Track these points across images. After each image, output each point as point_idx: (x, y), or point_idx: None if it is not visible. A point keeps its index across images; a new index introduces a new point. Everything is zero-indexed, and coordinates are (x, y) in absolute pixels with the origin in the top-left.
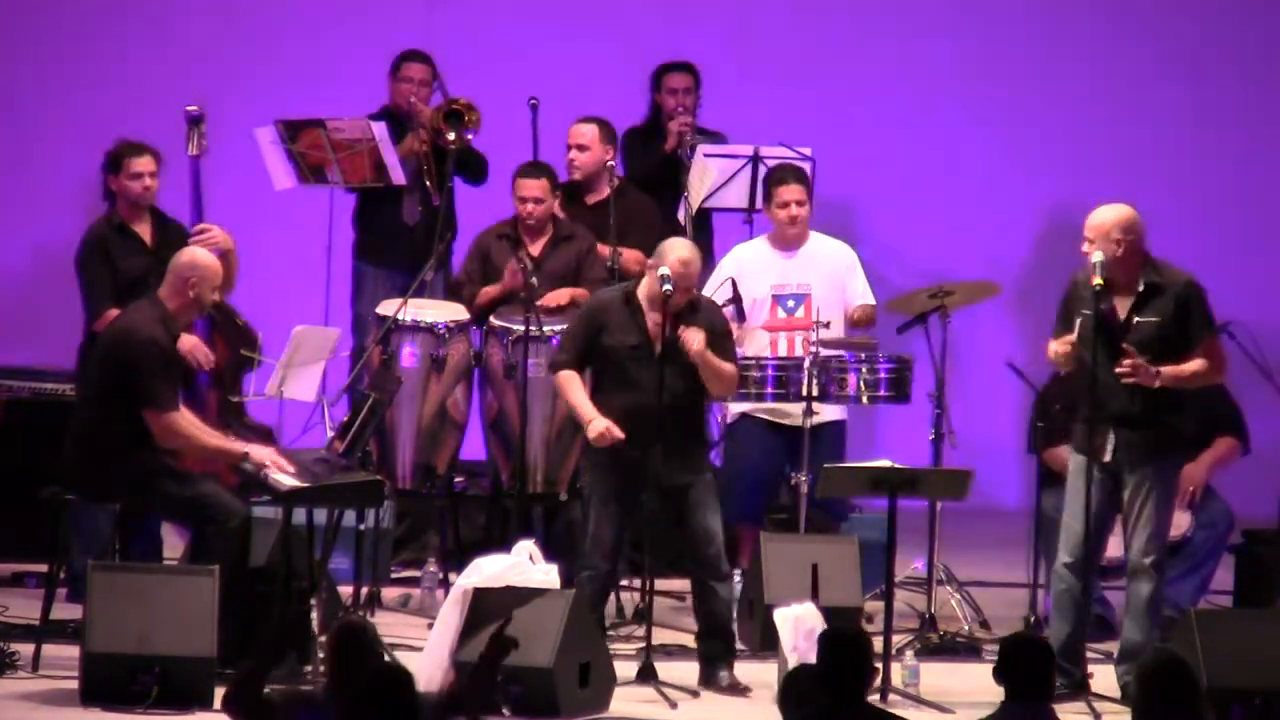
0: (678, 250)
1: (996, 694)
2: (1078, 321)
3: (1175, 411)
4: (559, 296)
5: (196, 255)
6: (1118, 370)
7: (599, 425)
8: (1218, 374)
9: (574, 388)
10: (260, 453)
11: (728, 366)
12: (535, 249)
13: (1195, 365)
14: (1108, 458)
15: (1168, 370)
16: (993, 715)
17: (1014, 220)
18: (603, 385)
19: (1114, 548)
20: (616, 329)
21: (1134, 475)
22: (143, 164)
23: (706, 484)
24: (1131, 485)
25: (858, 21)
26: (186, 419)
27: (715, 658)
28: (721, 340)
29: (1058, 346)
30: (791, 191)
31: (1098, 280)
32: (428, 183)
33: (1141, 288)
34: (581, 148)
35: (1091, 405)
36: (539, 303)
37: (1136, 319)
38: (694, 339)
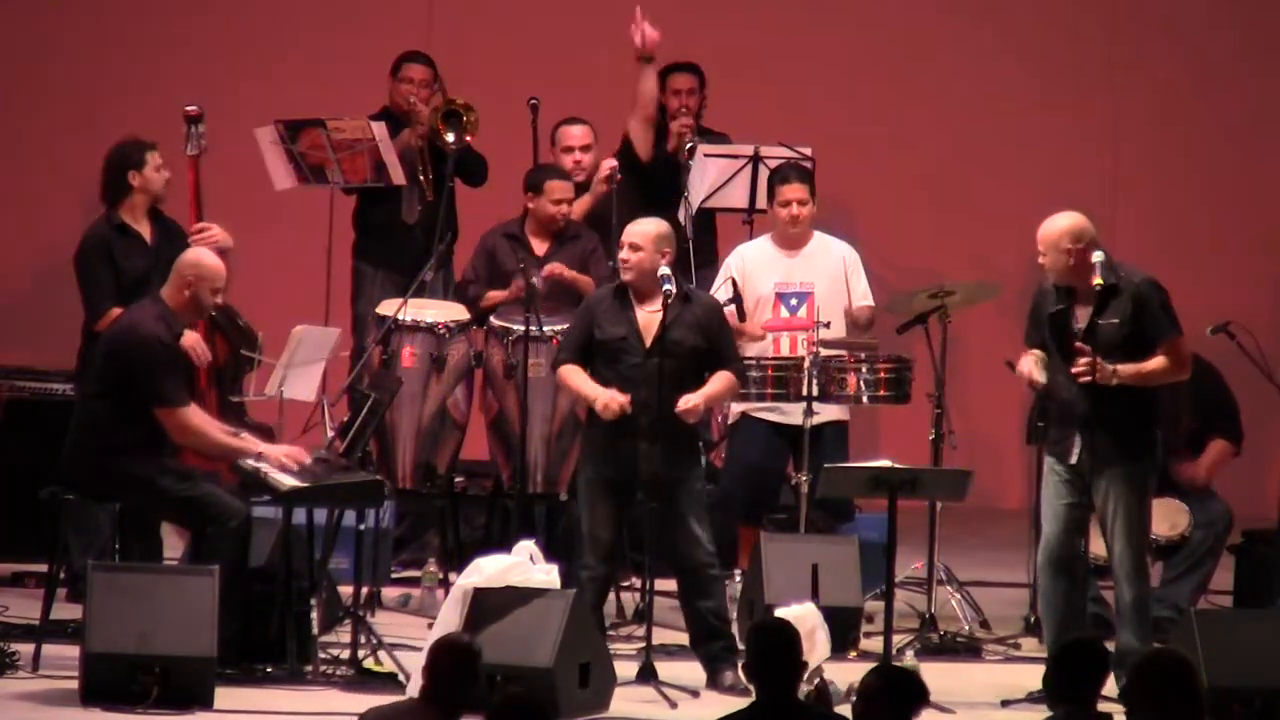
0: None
1: (997, 694)
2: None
3: (1142, 413)
4: (564, 271)
5: (201, 256)
6: (1073, 370)
7: (603, 396)
8: (1179, 372)
9: (576, 376)
10: (274, 451)
11: (724, 384)
12: (540, 249)
13: (1155, 364)
14: (1074, 460)
15: (1125, 369)
16: None
17: (1015, 220)
18: (597, 380)
19: (1101, 546)
20: (607, 322)
21: (1102, 478)
22: (159, 157)
23: (695, 486)
24: (1101, 489)
25: (859, 21)
26: (199, 415)
27: (717, 658)
28: (718, 337)
29: (1022, 369)
30: (793, 190)
31: (1098, 280)
32: (422, 178)
33: (1098, 290)
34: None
35: (1058, 408)
36: (548, 272)
37: (1099, 322)
38: (689, 413)
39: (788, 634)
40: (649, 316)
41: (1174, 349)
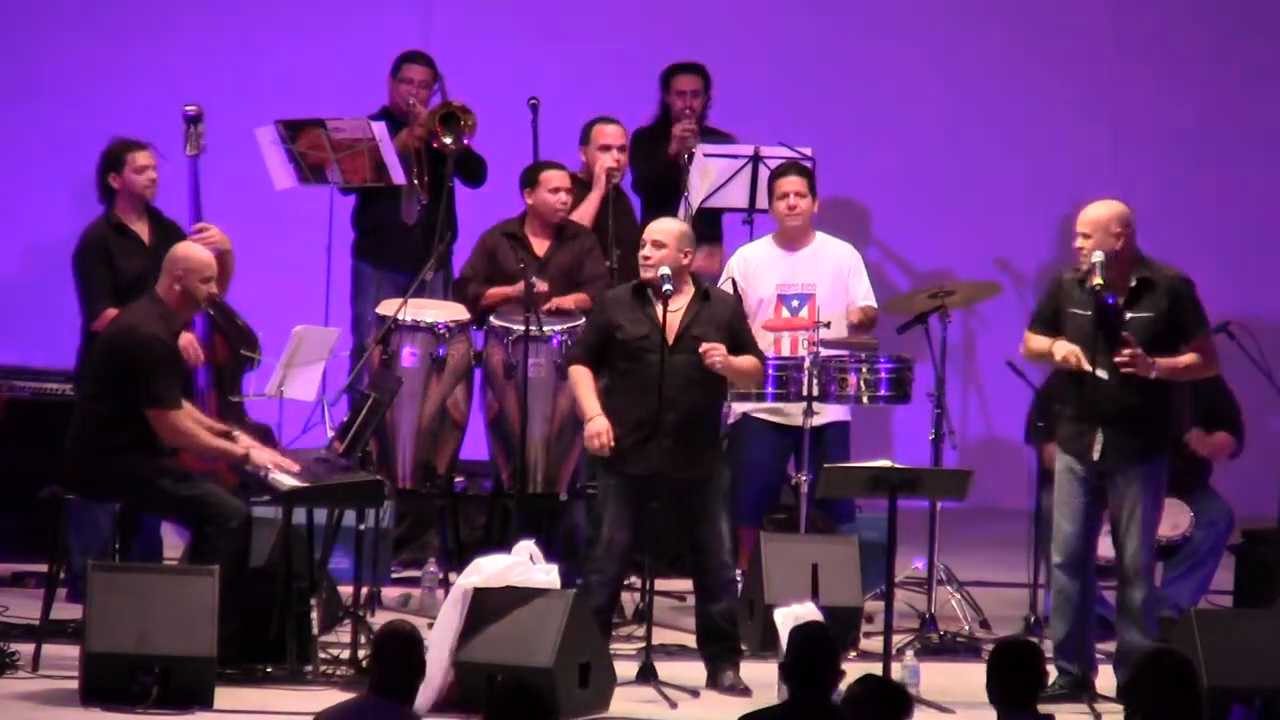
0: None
1: None
2: (1069, 318)
3: (1164, 414)
4: (564, 301)
5: (187, 249)
6: (1116, 360)
7: (597, 424)
8: (1210, 368)
9: (583, 382)
10: (261, 455)
11: (749, 362)
12: (540, 248)
13: (1189, 359)
14: (1096, 456)
15: (1164, 362)
16: None
17: (1016, 219)
18: (618, 378)
19: (1105, 547)
20: (627, 322)
21: (1123, 476)
22: (145, 158)
23: (719, 485)
24: (1120, 486)
25: (863, 21)
26: (190, 417)
27: (720, 658)
28: (740, 331)
29: (1067, 354)
30: (791, 183)
31: (1098, 280)
32: (415, 179)
33: (1134, 283)
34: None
35: (1082, 404)
36: (546, 306)
37: (1130, 315)
38: (715, 356)
39: (831, 640)
40: (670, 315)
41: (1206, 345)
